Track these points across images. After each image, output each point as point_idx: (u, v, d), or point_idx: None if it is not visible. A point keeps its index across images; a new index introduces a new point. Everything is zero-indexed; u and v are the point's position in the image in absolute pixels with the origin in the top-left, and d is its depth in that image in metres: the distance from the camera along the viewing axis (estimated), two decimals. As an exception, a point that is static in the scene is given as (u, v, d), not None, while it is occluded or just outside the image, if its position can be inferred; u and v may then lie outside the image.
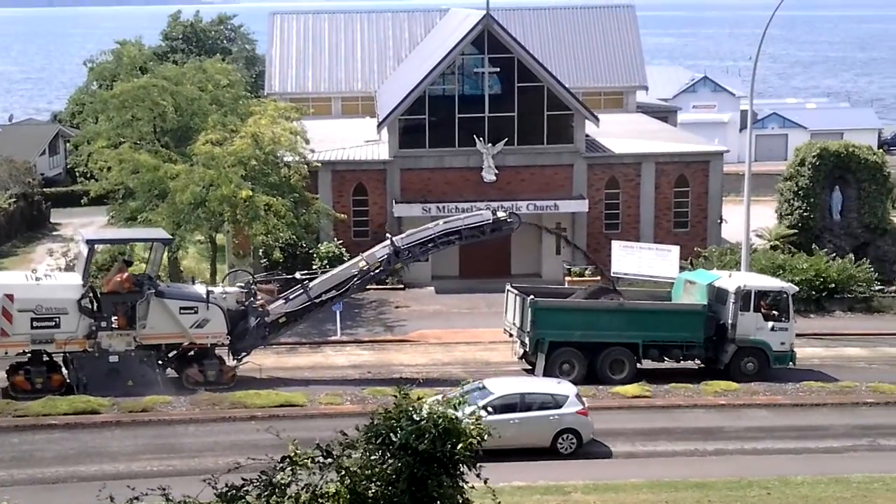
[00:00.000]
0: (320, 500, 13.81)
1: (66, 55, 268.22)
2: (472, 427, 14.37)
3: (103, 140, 49.83)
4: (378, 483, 13.88)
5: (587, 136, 54.70)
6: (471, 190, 52.92)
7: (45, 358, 36.34)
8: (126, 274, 37.07)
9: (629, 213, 54.72)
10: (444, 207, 51.42)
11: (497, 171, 52.98)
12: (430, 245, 41.20)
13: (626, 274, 44.64)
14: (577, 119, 53.73)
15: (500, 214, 41.92)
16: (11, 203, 65.81)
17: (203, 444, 32.01)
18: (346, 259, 47.06)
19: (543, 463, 30.87)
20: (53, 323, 35.60)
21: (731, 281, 39.88)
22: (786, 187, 56.24)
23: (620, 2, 73.97)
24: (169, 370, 37.42)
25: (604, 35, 71.46)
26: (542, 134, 53.57)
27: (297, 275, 40.94)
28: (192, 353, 37.66)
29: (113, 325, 36.25)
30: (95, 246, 38.21)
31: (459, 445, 14.15)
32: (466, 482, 14.39)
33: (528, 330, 38.45)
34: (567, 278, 51.39)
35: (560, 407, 31.80)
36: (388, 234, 42.62)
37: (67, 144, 74.22)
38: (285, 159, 48.74)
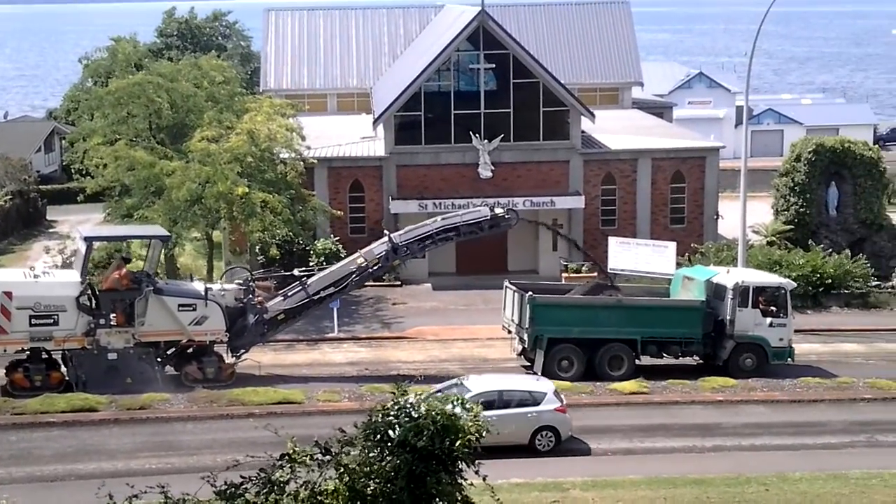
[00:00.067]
0: (319, 498, 13.79)
1: (61, 52, 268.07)
2: (470, 424, 14.37)
3: (99, 137, 49.81)
4: (377, 480, 13.87)
5: (583, 132, 54.71)
6: (467, 186, 52.92)
7: (44, 355, 36.30)
8: (124, 271, 37.05)
9: (625, 210, 54.74)
10: (440, 204, 51.40)
11: (493, 168, 53.00)
12: (428, 242, 41.18)
13: (622, 270, 44.65)
14: (573, 115, 53.74)
15: (498, 211, 41.91)
16: (7, 200, 65.72)
17: (201, 441, 32.00)
18: (342, 256, 47.07)
19: (542, 460, 30.90)
20: (52, 320, 35.58)
21: (730, 277, 39.88)
22: (782, 183, 56.28)
23: (615, -2, 73.91)
24: (168, 367, 37.39)
25: (599, 31, 71.50)
26: (538, 130, 53.57)
27: (296, 272, 40.93)
28: (190, 350, 37.62)
29: (112, 323, 36.23)
30: (93, 243, 38.16)
31: (458, 442, 14.14)
32: (465, 479, 14.39)
33: (527, 326, 38.44)
34: (564, 275, 51.41)
35: (538, 404, 31.68)
36: (385, 231, 42.60)
37: (63, 141, 74.35)
38: (281, 156, 48.70)
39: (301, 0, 76.20)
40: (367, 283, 44.72)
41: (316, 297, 39.46)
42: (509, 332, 40.35)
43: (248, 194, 44.62)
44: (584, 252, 46.85)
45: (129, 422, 33.37)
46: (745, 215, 45.66)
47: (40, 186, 72.93)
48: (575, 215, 53.76)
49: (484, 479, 14.36)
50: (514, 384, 32.81)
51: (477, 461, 14.35)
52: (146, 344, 36.66)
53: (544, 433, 31.60)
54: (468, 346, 43.15)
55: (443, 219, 41.72)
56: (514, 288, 39.81)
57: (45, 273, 38.06)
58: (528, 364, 39.43)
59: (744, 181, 45.53)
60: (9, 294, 35.30)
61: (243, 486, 13.63)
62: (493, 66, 53.22)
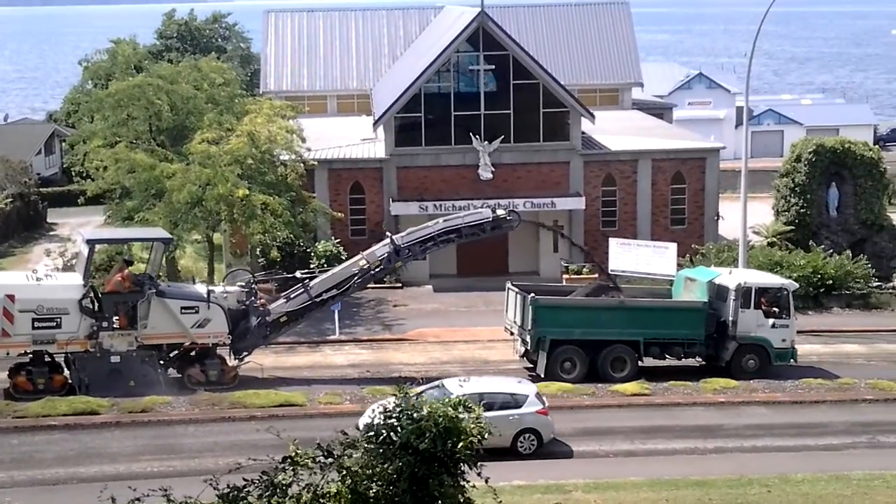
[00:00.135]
0: (321, 501, 13.80)
1: (61, 54, 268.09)
2: (472, 426, 14.37)
3: (99, 139, 49.80)
4: (379, 483, 13.87)
5: (583, 133, 54.71)
6: (467, 188, 52.92)
7: (47, 358, 36.32)
8: (126, 273, 37.05)
9: (626, 211, 54.73)
10: (440, 205, 51.41)
11: (493, 169, 52.99)
12: (429, 243, 41.09)
13: (623, 271, 44.62)
14: (573, 116, 53.74)
15: (500, 212, 41.86)
16: (8, 203, 65.72)
17: (203, 444, 31.99)
18: (343, 258, 47.06)
19: (543, 462, 30.87)
20: (55, 323, 35.57)
21: (732, 278, 39.85)
22: (782, 184, 56.27)
23: (615, -2, 73.92)
24: (170, 370, 37.38)
25: (599, 32, 71.54)
26: (539, 131, 53.56)
27: (298, 274, 40.91)
28: (193, 353, 37.61)
29: (114, 326, 36.23)
30: (95, 246, 38.17)
31: (460, 444, 14.14)
32: (467, 481, 14.39)
33: (530, 328, 38.40)
34: (565, 276, 51.43)
35: (520, 407, 31.49)
36: (387, 233, 42.58)
37: (63, 144, 74.29)
38: (282, 158, 48.72)
39: (301, 1, 76.40)
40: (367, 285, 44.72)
41: (318, 300, 39.44)
42: (511, 333, 40.31)
43: (248, 196, 44.61)
44: (586, 253, 46.80)
45: (130, 425, 33.35)
46: (746, 216, 45.65)
47: (41, 189, 72.93)
48: (575, 216, 53.75)
49: (486, 482, 14.36)
50: (496, 386, 32.41)
51: (479, 463, 14.36)
52: (149, 347, 36.64)
53: (526, 436, 31.40)
54: (469, 347, 43.13)
55: (444, 220, 41.65)
56: (517, 290, 39.77)
57: (48, 276, 38.06)
58: (531, 366, 39.43)
59: (744, 182, 45.53)
60: (11, 297, 35.29)
61: (245, 489, 13.65)
62: (493, 67, 53.21)
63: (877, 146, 63.45)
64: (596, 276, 47.80)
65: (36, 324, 35.41)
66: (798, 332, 40.50)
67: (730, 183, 62.03)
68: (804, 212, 55.09)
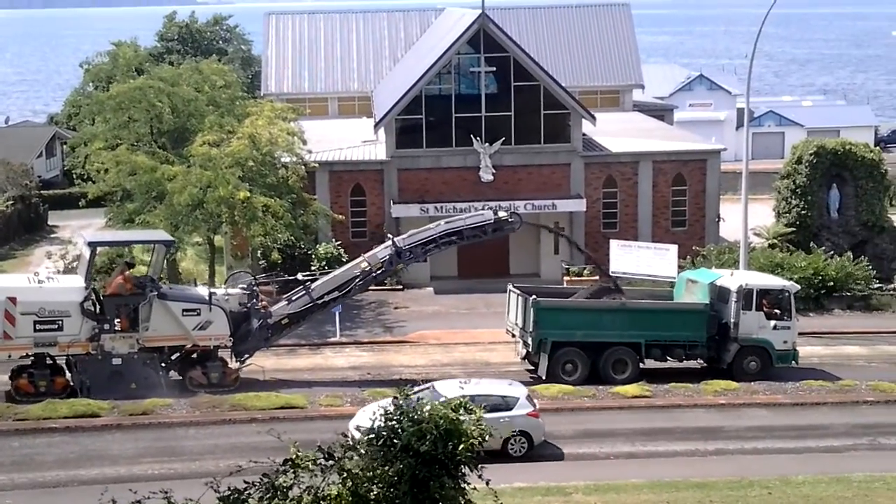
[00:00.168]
0: (322, 503, 13.81)
1: (62, 57, 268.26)
2: (473, 428, 14.38)
3: (100, 142, 49.79)
4: (380, 485, 13.89)
5: (584, 135, 54.70)
6: (468, 190, 52.92)
7: (49, 361, 36.34)
8: (128, 275, 37.06)
9: (627, 213, 54.73)
10: (441, 207, 51.43)
11: (494, 171, 53.00)
12: (431, 245, 41.03)
13: (624, 273, 44.62)
14: (574, 118, 53.75)
15: (502, 214, 41.83)
16: (9, 206, 65.74)
17: (204, 446, 31.97)
18: (344, 260, 47.05)
19: (544, 464, 30.86)
20: (56, 326, 35.58)
21: (733, 280, 39.84)
22: (783, 185, 56.25)
23: (616, 0, 73.94)
24: (172, 372, 37.37)
25: (599, 34, 71.55)
26: (539, 133, 53.58)
27: (299, 276, 40.90)
28: (195, 355, 37.61)
29: (116, 328, 36.24)
30: (97, 248, 38.17)
31: (461, 446, 14.15)
32: (468, 483, 14.39)
33: (531, 330, 38.39)
34: (566, 278, 51.43)
35: (511, 409, 31.35)
36: (389, 235, 42.57)
37: (64, 146, 74.27)
38: (283, 160, 48.71)
39: (301, 3, 76.73)
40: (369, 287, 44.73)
41: (320, 302, 39.42)
42: (513, 335, 40.31)
43: (249, 199, 44.60)
44: (587, 255, 46.78)
45: (131, 427, 33.34)
46: (747, 218, 45.64)
47: (42, 191, 72.95)
48: (576, 218, 53.74)
49: (487, 484, 14.37)
50: (486, 389, 32.08)
51: (480, 465, 14.37)
52: (150, 349, 36.64)
53: (517, 438, 31.23)
54: (470, 349, 43.12)
55: (446, 222, 41.63)
56: (518, 291, 39.77)
57: (50, 278, 38.03)
58: (533, 368, 39.43)
59: (745, 183, 45.52)
60: (13, 300, 35.32)
61: (246, 492, 13.66)
62: (494, 69, 53.22)
63: (878, 148, 63.39)
64: (597, 277, 47.81)
65: (37, 326, 35.42)
66: (799, 333, 40.51)
67: (731, 185, 62.02)
68: (805, 213, 55.08)
